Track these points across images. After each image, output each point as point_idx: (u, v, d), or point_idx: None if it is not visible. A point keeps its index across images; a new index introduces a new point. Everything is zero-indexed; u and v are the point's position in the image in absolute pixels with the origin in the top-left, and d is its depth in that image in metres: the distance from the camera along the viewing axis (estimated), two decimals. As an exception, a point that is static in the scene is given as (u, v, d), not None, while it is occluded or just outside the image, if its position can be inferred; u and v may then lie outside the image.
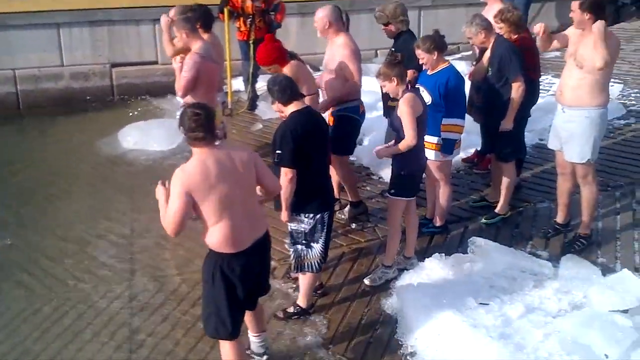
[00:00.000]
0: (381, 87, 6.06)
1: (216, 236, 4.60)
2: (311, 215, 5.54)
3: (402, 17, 7.11)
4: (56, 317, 6.22)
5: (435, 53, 6.39)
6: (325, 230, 5.63)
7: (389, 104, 6.89)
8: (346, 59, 6.73)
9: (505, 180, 7.01)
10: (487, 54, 6.88)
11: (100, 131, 10.25)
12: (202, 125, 4.51)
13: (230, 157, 4.61)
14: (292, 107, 5.42)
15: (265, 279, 5.12)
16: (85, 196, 8.46)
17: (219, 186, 4.48)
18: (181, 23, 6.90)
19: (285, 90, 5.41)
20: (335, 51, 6.83)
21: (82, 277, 6.78)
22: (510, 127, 6.73)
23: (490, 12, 7.26)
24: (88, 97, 11.48)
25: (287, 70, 6.36)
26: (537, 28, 6.36)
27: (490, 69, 6.80)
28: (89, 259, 7.09)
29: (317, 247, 5.64)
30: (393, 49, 7.05)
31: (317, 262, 5.71)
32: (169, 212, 4.48)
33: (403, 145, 5.85)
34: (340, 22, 6.90)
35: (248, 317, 5.17)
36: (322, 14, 6.83)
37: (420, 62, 6.43)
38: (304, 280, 5.83)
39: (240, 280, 4.72)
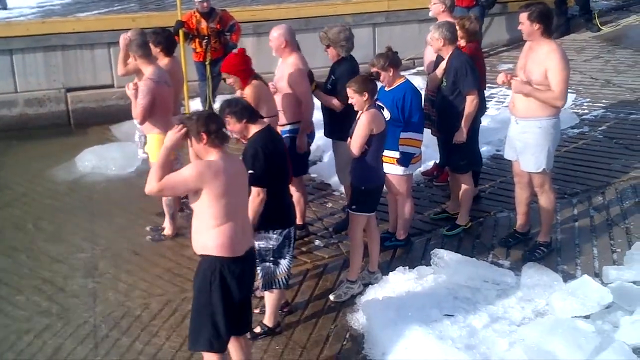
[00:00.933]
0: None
1: (219, 239, 4.60)
2: (279, 231, 5.57)
3: (343, 42, 6.78)
4: (17, 350, 6.04)
5: (391, 70, 6.47)
6: (292, 246, 5.70)
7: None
8: (295, 80, 6.72)
9: (463, 192, 7.09)
10: (443, 65, 6.96)
11: (57, 156, 10.08)
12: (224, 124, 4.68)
13: (236, 163, 4.76)
14: (255, 128, 5.43)
15: (249, 299, 5.06)
16: (43, 222, 8.29)
17: (232, 188, 4.54)
18: (134, 47, 7.05)
19: (248, 110, 5.43)
20: (285, 70, 6.83)
21: (42, 305, 6.63)
22: (464, 139, 6.83)
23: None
24: (43, 123, 11.31)
25: (249, 90, 6.33)
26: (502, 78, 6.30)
27: (445, 81, 6.87)
28: (48, 286, 6.93)
29: (284, 262, 5.67)
30: (333, 77, 6.89)
31: (284, 277, 5.73)
32: (176, 177, 4.53)
33: (350, 145, 5.99)
34: (295, 41, 6.91)
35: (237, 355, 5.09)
36: (277, 33, 6.82)
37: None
38: (271, 298, 5.81)
39: (237, 285, 4.69)
